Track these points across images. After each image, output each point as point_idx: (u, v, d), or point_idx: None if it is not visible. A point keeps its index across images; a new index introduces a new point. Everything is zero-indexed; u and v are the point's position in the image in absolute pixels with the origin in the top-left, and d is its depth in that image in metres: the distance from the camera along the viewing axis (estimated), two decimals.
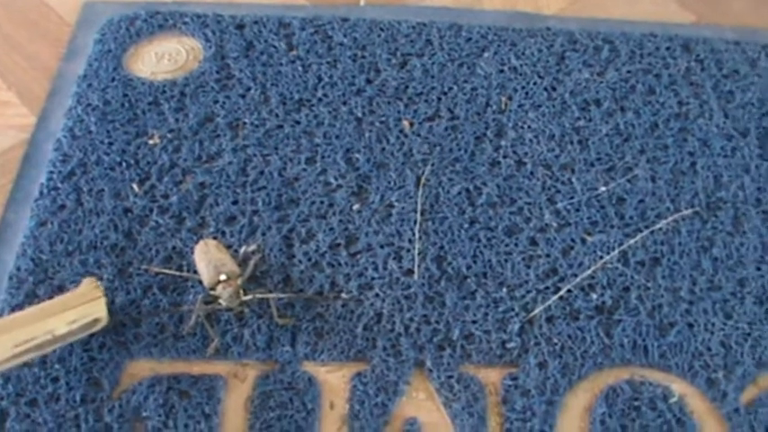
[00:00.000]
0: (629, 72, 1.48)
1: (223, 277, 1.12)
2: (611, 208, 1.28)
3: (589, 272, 1.21)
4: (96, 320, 1.08)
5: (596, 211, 1.28)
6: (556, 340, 1.14)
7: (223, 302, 1.11)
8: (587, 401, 1.10)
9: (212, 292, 1.12)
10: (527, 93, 1.43)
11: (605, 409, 1.09)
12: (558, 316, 1.16)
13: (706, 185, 1.32)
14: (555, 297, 1.17)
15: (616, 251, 1.23)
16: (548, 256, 1.23)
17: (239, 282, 1.12)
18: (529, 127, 1.38)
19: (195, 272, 1.17)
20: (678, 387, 1.12)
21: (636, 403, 1.10)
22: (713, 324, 1.17)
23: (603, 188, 1.30)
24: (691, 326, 1.17)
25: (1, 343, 1.02)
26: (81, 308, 1.07)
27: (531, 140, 1.36)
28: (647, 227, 1.26)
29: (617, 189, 1.31)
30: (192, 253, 1.19)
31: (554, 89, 1.44)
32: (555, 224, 1.26)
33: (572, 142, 1.36)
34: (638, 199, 1.30)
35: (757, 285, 1.21)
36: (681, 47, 1.53)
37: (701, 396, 1.11)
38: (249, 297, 1.13)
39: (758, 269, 1.23)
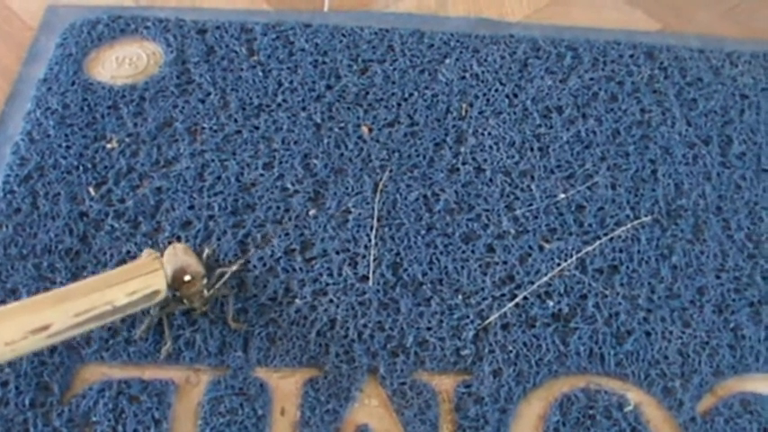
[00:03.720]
0: (591, 79, 1.48)
1: (187, 278, 1.11)
2: (570, 215, 1.28)
3: (546, 279, 1.20)
4: (156, 292, 1.07)
5: (555, 218, 1.27)
6: (511, 348, 1.14)
7: (187, 302, 1.11)
8: (541, 409, 1.10)
9: (177, 293, 1.11)
10: (488, 99, 1.43)
11: (559, 417, 1.08)
12: (514, 323, 1.16)
13: (667, 193, 1.32)
14: (511, 304, 1.17)
15: (574, 258, 1.22)
16: (504, 263, 1.22)
17: (204, 281, 1.12)
18: (489, 134, 1.38)
19: None
20: (634, 396, 1.11)
21: (591, 412, 1.09)
22: (671, 332, 1.17)
23: (563, 195, 1.30)
24: (648, 334, 1.16)
25: (61, 311, 1.00)
26: (141, 279, 1.06)
27: (491, 147, 1.36)
28: (606, 234, 1.26)
29: (576, 196, 1.30)
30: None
31: (515, 96, 1.44)
32: (513, 231, 1.25)
33: (532, 149, 1.36)
34: (597, 206, 1.29)
35: (716, 294, 1.21)
36: (644, 54, 1.53)
37: (658, 405, 1.11)
38: (211, 293, 1.12)
39: (717, 277, 1.23)
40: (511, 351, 1.13)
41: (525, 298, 1.18)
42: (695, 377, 1.13)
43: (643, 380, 1.12)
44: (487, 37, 1.54)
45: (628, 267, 1.23)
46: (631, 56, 1.53)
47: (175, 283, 1.11)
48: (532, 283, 1.20)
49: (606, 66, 1.50)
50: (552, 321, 1.16)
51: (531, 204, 1.29)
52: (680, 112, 1.44)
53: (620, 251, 1.24)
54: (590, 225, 1.27)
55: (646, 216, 1.29)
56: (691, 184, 1.33)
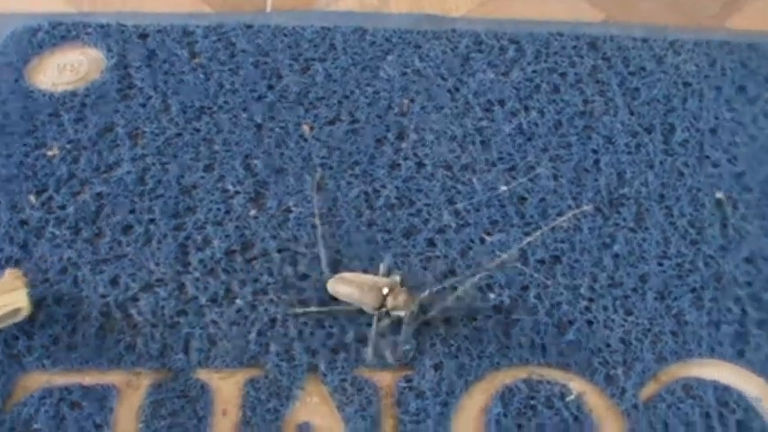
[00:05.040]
0: (534, 72, 1.48)
1: (386, 290, 1.12)
2: (512, 207, 1.28)
3: (486, 272, 1.20)
4: (18, 310, 1.09)
5: (496, 210, 1.27)
6: (452, 341, 1.14)
7: (400, 312, 1.12)
8: (483, 402, 1.10)
9: (381, 310, 1.13)
10: (430, 95, 1.43)
11: (501, 408, 1.08)
12: (456, 316, 1.16)
13: (609, 182, 1.32)
14: (451, 298, 1.17)
15: (515, 250, 1.22)
16: (446, 256, 1.22)
17: (403, 287, 1.14)
18: (430, 129, 1.38)
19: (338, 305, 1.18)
20: (577, 385, 1.11)
21: (532, 402, 1.09)
22: (613, 320, 1.17)
23: (504, 188, 1.30)
24: (590, 323, 1.16)
25: None
26: (2, 297, 1.08)
27: (432, 142, 1.36)
28: (547, 225, 1.26)
29: (518, 188, 1.30)
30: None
31: (457, 90, 1.44)
32: (454, 225, 1.26)
33: (474, 143, 1.36)
34: (539, 198, 1.29)
35: (658, 281, 1.21)
36: (588, 45, 1.53)
37: (600, 393, 1.11)
38: (425, 294, 1.14)
39: (660, 264, 1.23)
40: (452, 344, 1.13)
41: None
42: (638, 364, 1.13)
43: (585, 369, 1.12)
44: (430, 32, 1.54)
45: (570, 257, 1.23)
46: (574, 47, 1.53)
47: (378, 301, 1.13)
48: (474, 275, 1.20)
49: (549, 58, 1.51)
50: (494, 313, 1.17)
51: (472, 198, 1.29)
52: (623, 102, 1.44)
53: (562, 241, 1.25)
54: (531, 216, 1.27)
55: (587, 205, 1.29)
56: (633, 173, 1.34)
